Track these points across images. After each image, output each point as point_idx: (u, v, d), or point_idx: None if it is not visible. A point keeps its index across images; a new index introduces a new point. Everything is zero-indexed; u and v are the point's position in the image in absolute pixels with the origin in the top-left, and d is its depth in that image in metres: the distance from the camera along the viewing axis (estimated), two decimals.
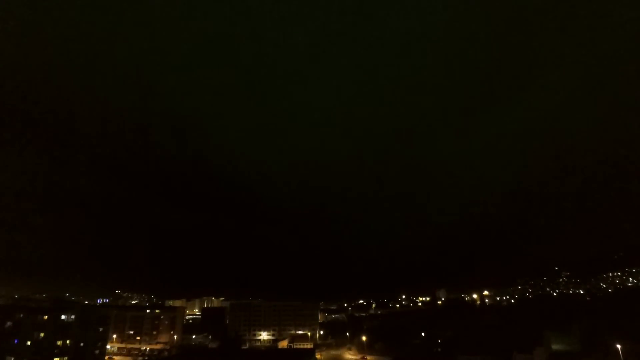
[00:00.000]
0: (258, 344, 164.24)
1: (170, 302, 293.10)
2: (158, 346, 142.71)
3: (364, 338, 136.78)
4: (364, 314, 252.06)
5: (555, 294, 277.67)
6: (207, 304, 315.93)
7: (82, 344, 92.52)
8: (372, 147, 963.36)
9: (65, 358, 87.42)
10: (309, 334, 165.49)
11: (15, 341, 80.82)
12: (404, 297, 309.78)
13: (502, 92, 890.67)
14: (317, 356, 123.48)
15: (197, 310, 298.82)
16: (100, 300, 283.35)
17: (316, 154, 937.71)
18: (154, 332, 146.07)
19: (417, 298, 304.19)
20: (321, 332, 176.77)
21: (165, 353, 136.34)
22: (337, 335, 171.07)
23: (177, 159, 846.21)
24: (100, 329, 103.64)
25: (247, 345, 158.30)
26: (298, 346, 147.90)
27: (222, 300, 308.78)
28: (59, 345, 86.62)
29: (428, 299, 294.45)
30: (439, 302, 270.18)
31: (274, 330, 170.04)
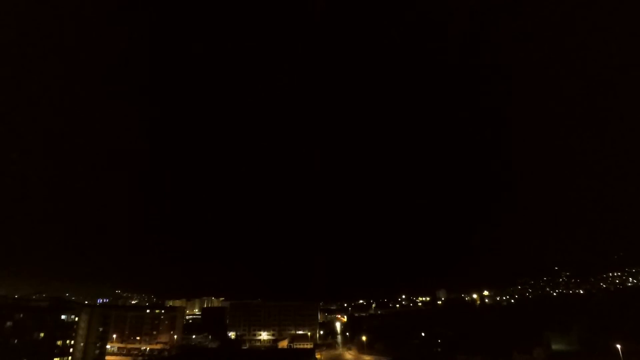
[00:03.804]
0: (258, 344, 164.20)
1: (170, 302, 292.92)
2: (158, 346, 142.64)
3: (364, 338, 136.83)
4: (364, 314, 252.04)
5: (555, 294, 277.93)
6: (207, 304, 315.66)
7: (82, 344, 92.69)
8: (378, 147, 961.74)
9: (65, 358, 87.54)
10: (309, 334, 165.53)
11: (15, 341, 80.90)
12: (404, 297, 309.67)
13: None
14: (317, 356, 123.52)
15: (197, 310, 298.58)
16: (100, 300, 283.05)
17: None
18: (154, 332, 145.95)
19: (417, 298, 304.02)
20: (321, 332, 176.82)
21: (165, 353, 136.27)
22: (336, 335, 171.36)
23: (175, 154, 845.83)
24: (100, 329, 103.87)
25: (247, 345, 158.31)
26: (298, 346, 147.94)
27: (222, 300, 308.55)
28: (59, 345, 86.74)
29: (428, 299, 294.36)
30: (439, 302, 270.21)
31: (274, 330, 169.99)
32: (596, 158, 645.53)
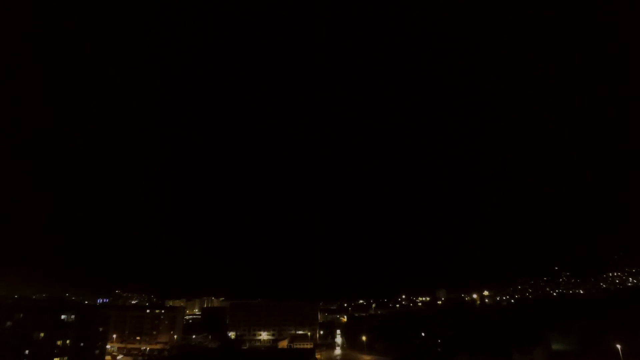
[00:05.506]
0: (258, 344, 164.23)
1: (170, 302, 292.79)
2: (158, 346, 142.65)
3: (364, 338, 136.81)
4: (364, 314, 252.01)
5: (555, 294, 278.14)
6: (207, 304, 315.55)
7: (82, 344, 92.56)
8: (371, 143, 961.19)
9: (65, 358, 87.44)
10: (309, 334, 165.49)
11: (15, 341, 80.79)
12: (404, 297, 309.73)
13: None
14: (317, 356, 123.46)
15: (197, 310, 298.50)
16: (100, 300, 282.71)
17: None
18: (154, 332, 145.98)
19: (417, 298, 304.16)
20: (321, 332, 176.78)
21: (165, 353, 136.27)
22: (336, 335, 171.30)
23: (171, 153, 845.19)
24: (100, 329, 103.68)
25: (247, 345, 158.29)
26: (298, 346, 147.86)
27: (222, 300, 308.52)
28: (59, 345, 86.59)
29: (428, 299, 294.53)
30: (439, 302, 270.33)
31: (274, 330, 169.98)
32: (596, 157, 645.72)
